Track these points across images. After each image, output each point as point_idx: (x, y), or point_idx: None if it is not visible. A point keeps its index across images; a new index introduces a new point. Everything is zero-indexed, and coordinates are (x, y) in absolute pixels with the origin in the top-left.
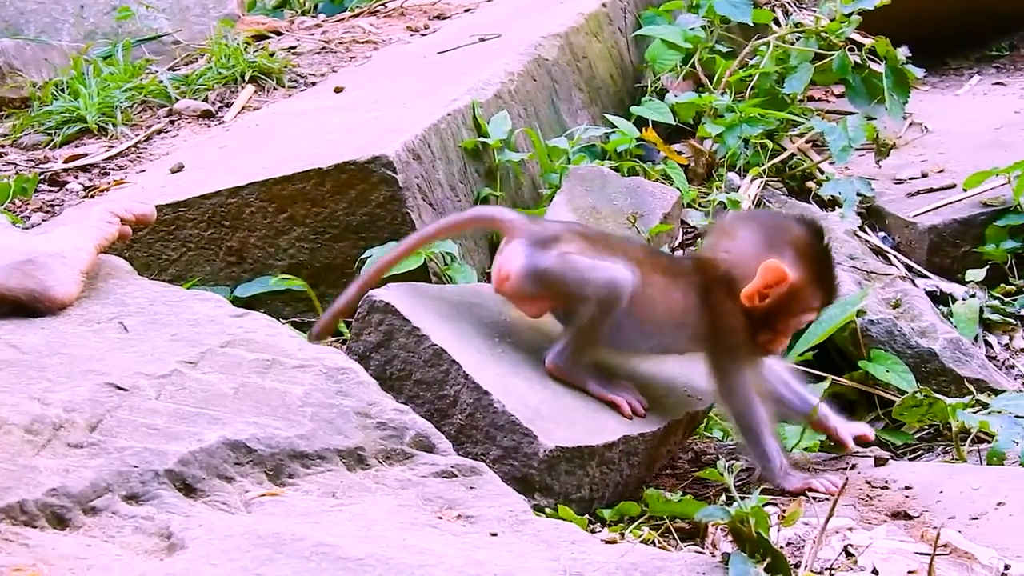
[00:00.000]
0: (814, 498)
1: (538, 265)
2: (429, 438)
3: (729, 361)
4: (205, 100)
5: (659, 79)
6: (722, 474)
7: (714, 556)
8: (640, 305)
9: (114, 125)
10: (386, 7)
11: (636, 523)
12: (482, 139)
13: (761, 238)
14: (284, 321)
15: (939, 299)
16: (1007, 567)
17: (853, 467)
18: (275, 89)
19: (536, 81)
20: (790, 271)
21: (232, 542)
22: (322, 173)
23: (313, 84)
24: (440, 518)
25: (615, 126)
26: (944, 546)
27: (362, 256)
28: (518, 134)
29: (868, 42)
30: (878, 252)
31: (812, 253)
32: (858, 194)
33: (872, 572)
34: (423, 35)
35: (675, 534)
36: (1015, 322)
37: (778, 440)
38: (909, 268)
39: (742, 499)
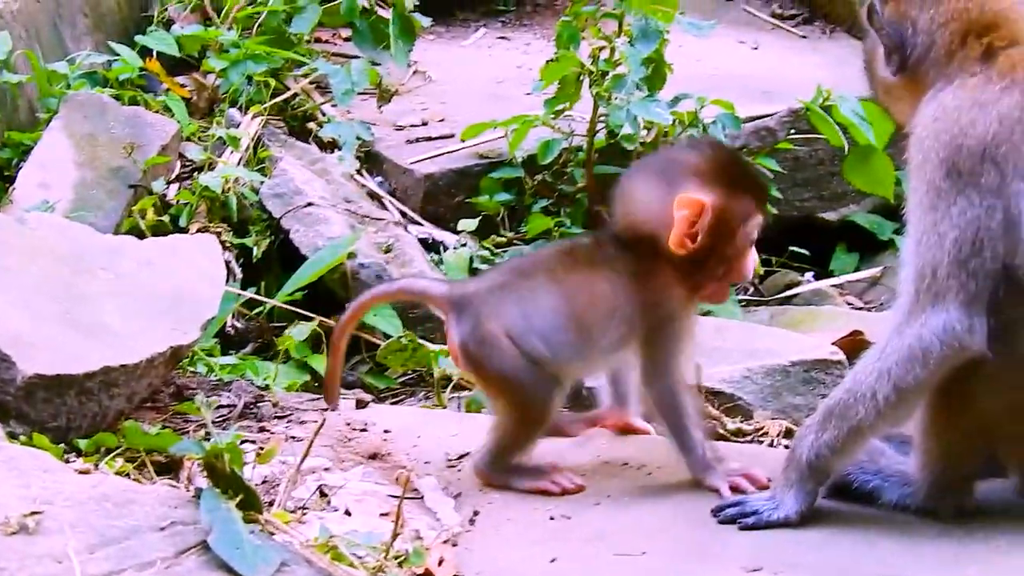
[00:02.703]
0: (292, 437)
1: (467, 346)
2: None
3: (662, 344)
4: None
5: (166, 9)
6: (199, 408)
7: (188, 490)
8: (570, 319)
9: None
10: None
11: (112, 455)
12: None
13: (658, 183)
14: None
15: (431, 246)
16: (476, 513)
17: (334, 408)
18: None
19: (39, 3)
20: (703, 197)
21: None
22: None
23: None
24: None
25: (118, 54)
26: (415, 490)
27: None
28: (17, 55)
29: None
30: (374, 197)
31: (715, 168)
32: (358, 138)
33: (345, 513)
34: None
35: (151, 467)
36: None
37: (703, 431)
38: (403, 214)
39: (219, 435)
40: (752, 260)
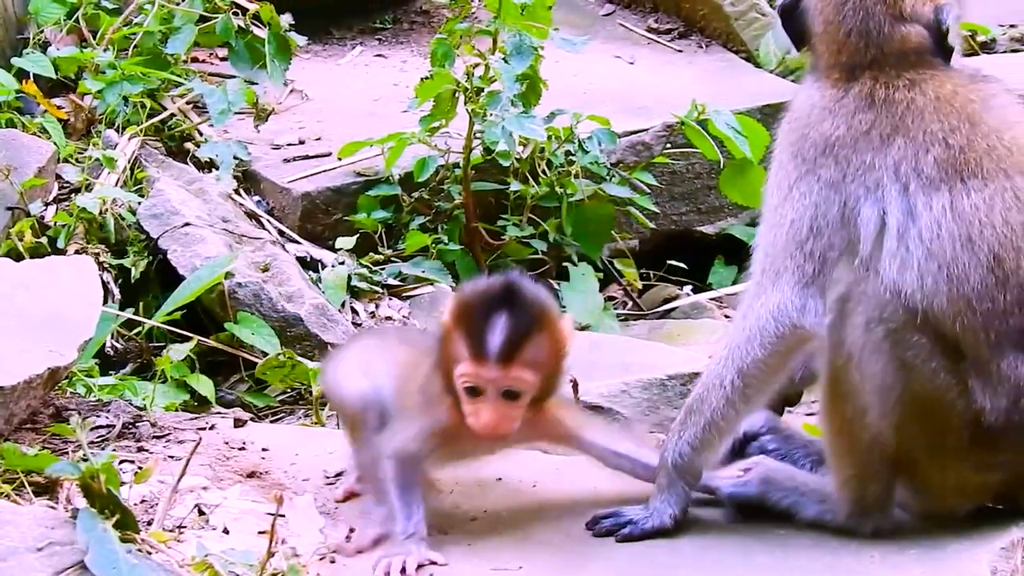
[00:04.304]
0: (170, 456)
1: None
2: None
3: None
4: None
5: (42, 31)
6: (75, 429)
7: (66, 511)
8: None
9: None
10: None
11: None
12: None
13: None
14: None
15: (309, 265)
16: (352, 530)
17: (212, 427)
18: None
19: None
20: (446, 317)
21: None
22: None
23: None
24: None
25: None
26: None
27: None
28: None
29: (253, 7)
30: (251, 216)
31: (466, 301)
32: (235, 157)
33: (223, 531)
34: None
35: (30, 488)
36: (381, 290)
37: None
38: (281, 233)
39: (95, 456)
40: (478, 415)
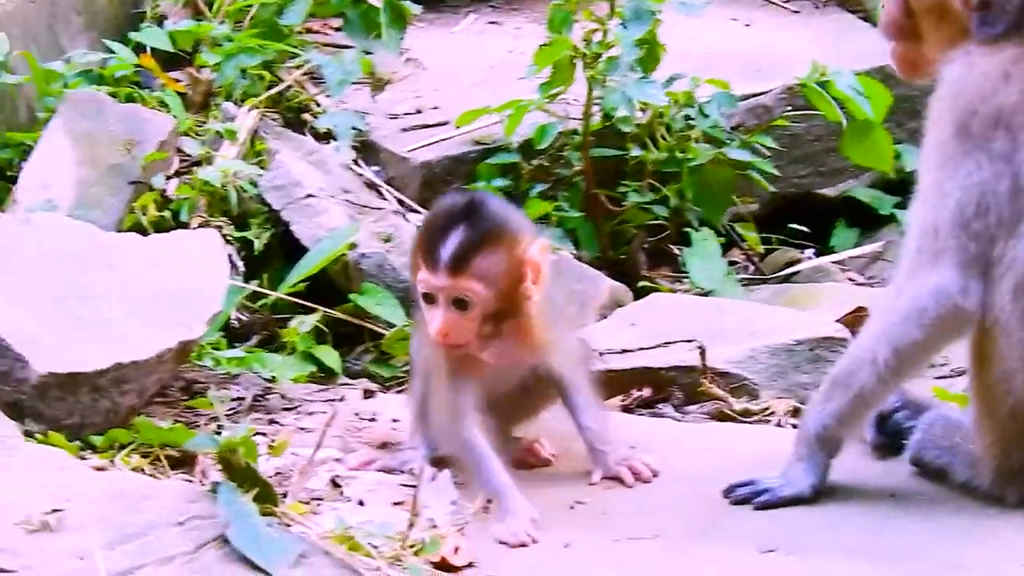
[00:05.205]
0: (301, 428)
1: None
2: None
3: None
4: None
5: (158, 5)
6: (212, 403)
7: (204, 484)
8: None
9: None
10: None
11: (127, 450)
12: None
13: None
14: None
15: None
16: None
17: (342, 399)
18: None
19: (34, 3)
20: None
21: None
22: None
23: None
24: None
25: (113, 51)
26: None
27: None
28: (14, 56)
29: None
30: (371, 186)
31: (431, 213)
32: (353, 128)
33: (358, 503)
34: None
35: (165, 462)
36: None
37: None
38: (401, 203)
39: (232, 429)
40: (432, 322)
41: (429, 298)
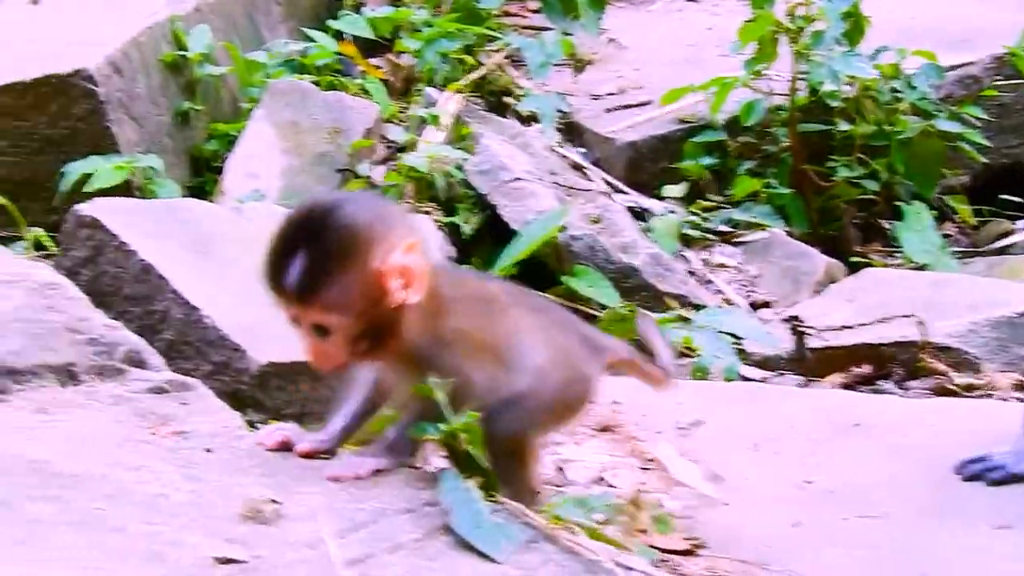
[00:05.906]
0: None
1: None
2: (140, 353)
3: None
4: None
5: None
6: (432, 390)
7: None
8: None
9: None
10: None
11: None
12: (182, 53)
13: None
14: None
15: (638, 215)
16: (717, 478)
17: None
18: None
19: None
20: None
21: None
22: (24, 86)
23: None
24: (153, 434)
25: (313, 40)
26: (651, 460)
27: (62, 171)
28: (217, 48)
29: None
30: (577, 168)
31: (273, 232)
32: (556, 110)
33: (583, 487)
34: None
35: None
36: (713, 237)
37: None
38: (608, 184)
39: (453, 416)
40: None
41: (293, 321)
